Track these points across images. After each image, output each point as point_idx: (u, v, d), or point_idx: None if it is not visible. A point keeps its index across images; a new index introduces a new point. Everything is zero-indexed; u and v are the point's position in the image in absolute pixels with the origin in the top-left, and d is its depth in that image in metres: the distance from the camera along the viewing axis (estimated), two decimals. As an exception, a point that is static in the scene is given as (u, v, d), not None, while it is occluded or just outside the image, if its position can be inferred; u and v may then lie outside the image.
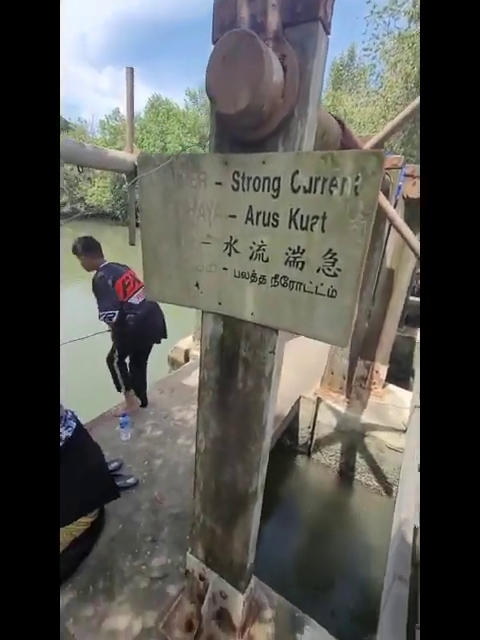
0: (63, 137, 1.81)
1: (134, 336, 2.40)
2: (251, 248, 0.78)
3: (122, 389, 2.57)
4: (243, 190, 0.75)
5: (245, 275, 0.81)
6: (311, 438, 3.12)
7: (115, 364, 2.46)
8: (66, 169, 26.54)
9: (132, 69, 2.11)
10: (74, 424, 1.34)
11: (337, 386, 3.09)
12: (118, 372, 2.50)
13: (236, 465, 1.02)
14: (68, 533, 1.34)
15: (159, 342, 2.63)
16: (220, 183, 0.78)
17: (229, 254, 0.82)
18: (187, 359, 3.71)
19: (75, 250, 2.30)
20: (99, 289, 2.27)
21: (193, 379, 3.14)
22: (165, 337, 2.62)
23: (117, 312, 2.25)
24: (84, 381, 3.51)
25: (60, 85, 0.64)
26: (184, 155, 0.82)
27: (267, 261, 0.77)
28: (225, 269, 0.84)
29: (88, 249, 2.30)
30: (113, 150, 2.18)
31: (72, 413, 1.38)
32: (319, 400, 2.99)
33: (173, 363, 3.73)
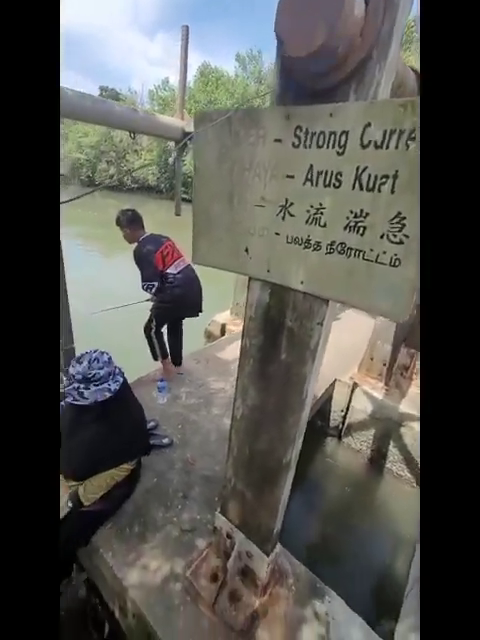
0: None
1: (171, 305, 2.47)
2: (308, 212, 0.73)
3: (159, 358, 2.69)
4: (305, 147, 0.70)
5: (298, 241, 0.77)
6: (343, 422, 3.07)
7: (152, 333, 2.56)
8: (115, 141, 27.11)
9: (187, 27, 2.03)
10: (121, 379, 1.44)
11: (376, 372, 2.98)
12: (155, 342, 2.60)
13: (272, 434, 1.02)
14: (111, 477, 1.47)
15: (196, 315, 2.67)
16: (280, 140, 0.73)
17: (283, 218, 0.78)
18: (223, 333, 3.76)
19: (119, 222, 2.37)
20: (141, 260, 2.35)
21: (228, 353, 3.19)
22: (201, 311, 2.68)
23: (157, 282, 2.33)
24: (122, 347, 3.72)
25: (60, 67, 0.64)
26: (243, 110, 0.78)
27: (324, 226, 0.72)
28: (277, 234, 0.80)
29: (131, 222, 2.36)
30: (164, 116, 2.16)
31: (120, 370, 1.48)
32: (355, 385, 2.92)
33: (209, 336, 3.81)
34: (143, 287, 2.35)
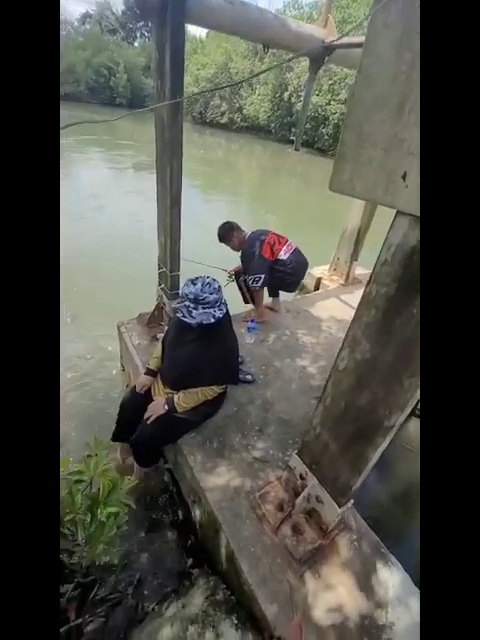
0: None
1: (278, 282, 2.59)
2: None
3: (249, 302, 2.74)
4: None
5: None
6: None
7: (241, 280, 2.67)
8: (232, 73, 25.82)
9: None
10: (225, 309, 1.52)
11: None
12: (244, 288, 2.71)
13: (377, 394, 0.94)
14: (201, 394, 1.62)
15: (292, 291, 2.86)
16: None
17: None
18: (317, 288, 3.60)
19: (221, 239, 2.51)
20: (247, 258, 2.45)
21: (320, 308, 3.06)
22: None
23: (264, 275, 2.42)
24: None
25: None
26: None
27: None
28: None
29: (230, 231, 2.48)
30: (303, 23, 1.87)
31: (225, 301, 1.55)
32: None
33: (302, 288, 3.69)
34: (250, 281, 2.45)
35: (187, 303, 1.43)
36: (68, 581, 1.43)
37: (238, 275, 2.68)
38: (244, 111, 25.31)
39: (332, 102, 19.22)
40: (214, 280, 1.48)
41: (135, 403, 1.75)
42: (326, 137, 19.99)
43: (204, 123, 27.39)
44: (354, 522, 1.45)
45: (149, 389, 1.78)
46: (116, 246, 5.32)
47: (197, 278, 1.46)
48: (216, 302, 1.46)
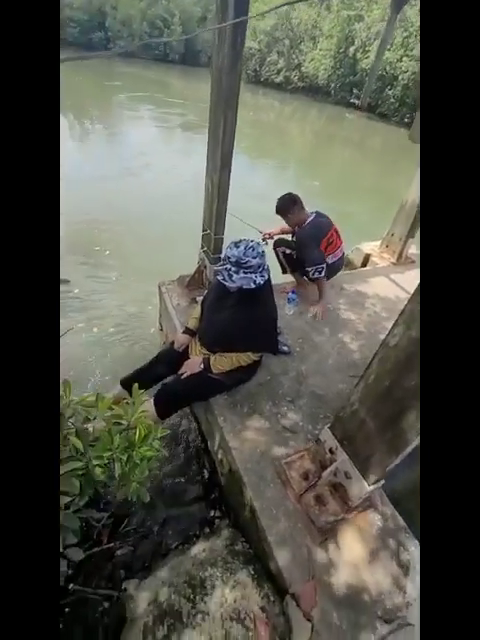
0: None
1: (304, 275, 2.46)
2: None
3: (287, 270, 2.66)
4: None
5: None
6: None
7: (279, 250, 2.56)
8: (293, 24, 23.60)
9: None
10: (266, 276, 1.47)
11: None
12: (282, 259, 2.60)
13: (431, 375, 0.87)
14: (237, 359, 1.62)
15: None
16: None
17: None
18: (365, 264, 3.39)
19: (279, 210, 2.28)
20: (305, 247, 2.26)
21: (367, 286, 2.89)
22: None
23: (325, 264, 2.27)
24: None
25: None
26: None
27: None
28: None
29: (292, 204, 2.24)
30: None
31: (268, 267, 1.49)
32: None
33: (347, 264, 3.49)
34: (311, 272, 2.31)
35: (228, 266, 1.39)
36: (103, 511, 1.59)
37: (277, 244, 2.56)
38: (302, 68, 23.31)
39: (404, 58, 17.03)
40: (258, 244, 1.42)
41: (170, 358, 1.80)
42: (392, 100, 17.91)
43: (257, 82, 25.71)
44: (380, 502, 1.42)
45: (186, 348, 1.81)
46: (160, 207, 5.35)
47: (240, 241, 1.41)
48: (258, 267, 1.41)
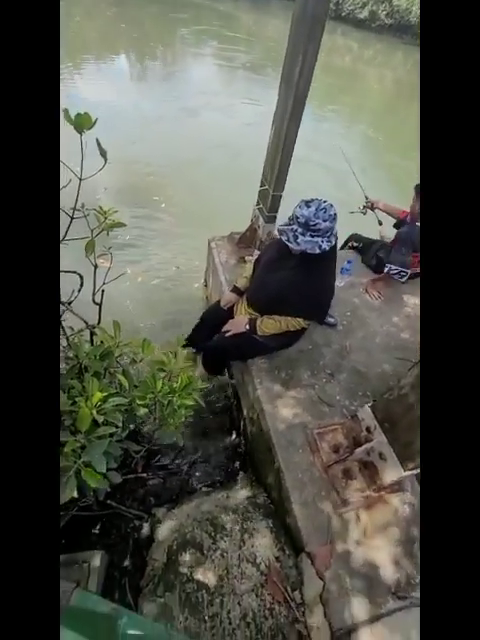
0: None
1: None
2: None
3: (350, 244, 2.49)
4: None
5: None
6: None
7: (351, 243, 2.47)
8: None
9: None
10: (333, 242, 1.36)
11: None
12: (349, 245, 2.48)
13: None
14: (284, 323, 1.57)
15: None
16: None
17: None
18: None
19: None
20: (406, 243, 2.08)
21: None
22: None
23: (410, 272, 2.13)
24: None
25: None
26: None
27: None
28: None
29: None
30: None
31: (336, 232, 1.38)
32: None
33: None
34: (395, 273, 2.15)
35: (295, 227, 1.29)
36: (141, 445, 1.73)
37: (352, 238, 2.40)
38: (393, 1, 19.92)
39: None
40: (331, 206, 1.29)
41: (216, 317, 1.80)
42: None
43: (338, 18, 22.44)
44: (410, 488, 1.39)
45: (232, 306, 1.80)
46: (216, 154, 5.14)
47: (312, 200, 1.28)
48: (327, 232, 1.29)
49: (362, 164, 4.94)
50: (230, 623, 1.08)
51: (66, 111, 0.88)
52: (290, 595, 1.16)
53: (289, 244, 1.32)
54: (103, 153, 0.95)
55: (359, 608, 1.11)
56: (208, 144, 5.32)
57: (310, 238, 1.28)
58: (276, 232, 2.10)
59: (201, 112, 6.41)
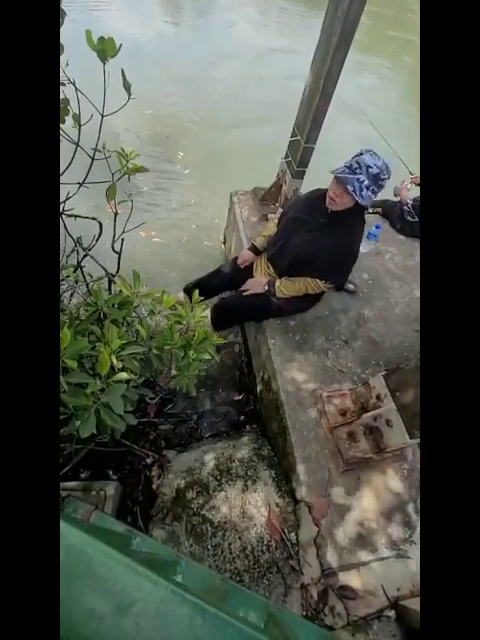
0: None
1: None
2: None
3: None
4: None
5: None
6: None
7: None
8: None
9: None
10: (372, 195, 1.25)
11: None
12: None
13: None
14: (304, 285, 1.52)
15: None
16: None
17: None
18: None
19: None
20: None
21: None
22: None
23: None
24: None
25: None
26: None
27: None
28: None
29: None
30: None
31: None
32: None
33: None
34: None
35: (362, 178, 1.16)
36: (155, 392, 1.81)
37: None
38: None
39: None
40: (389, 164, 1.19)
41: (231, 274, 1.77)
42: None
43: None
44: (411, 456, 1.43)
45: (248, 265, 1.76)
46: (241, 109, 4.73)
47: (372, 151, 1.17)
48: (379, 189, 1.20)
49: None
50: (231, 553, 1.20)
51: (89, 33, 0.80)
52: (287, 536, 1.26)
53: (354, 195, 1.18)
54: (127, 86, 0.88)
55: (349, 554, 1.20)
56: (238, 95, 4.87)
57: (371, 193, 1.19)
58: (301, 191, 1.97)
59: (234, 58, 5.77)
